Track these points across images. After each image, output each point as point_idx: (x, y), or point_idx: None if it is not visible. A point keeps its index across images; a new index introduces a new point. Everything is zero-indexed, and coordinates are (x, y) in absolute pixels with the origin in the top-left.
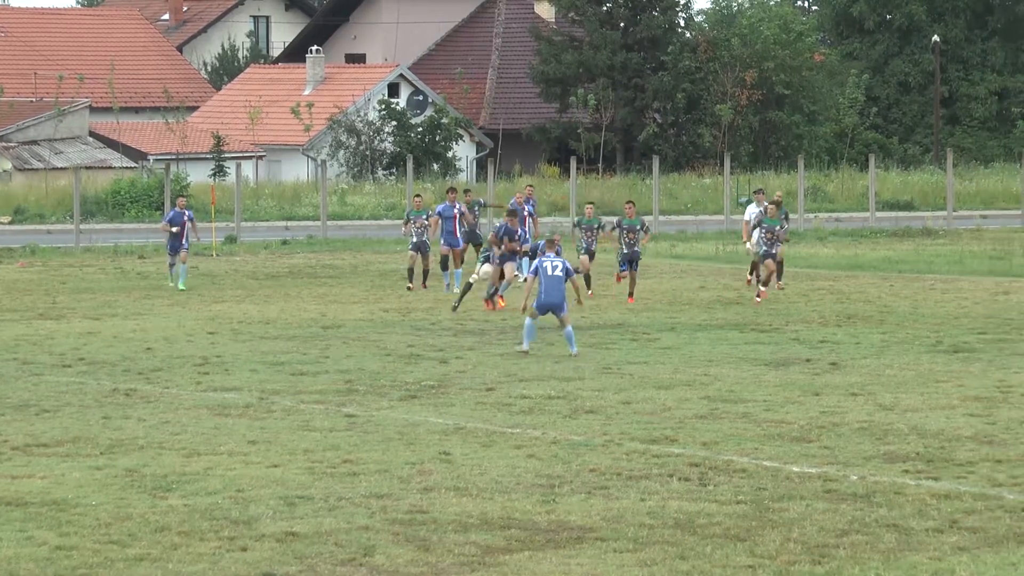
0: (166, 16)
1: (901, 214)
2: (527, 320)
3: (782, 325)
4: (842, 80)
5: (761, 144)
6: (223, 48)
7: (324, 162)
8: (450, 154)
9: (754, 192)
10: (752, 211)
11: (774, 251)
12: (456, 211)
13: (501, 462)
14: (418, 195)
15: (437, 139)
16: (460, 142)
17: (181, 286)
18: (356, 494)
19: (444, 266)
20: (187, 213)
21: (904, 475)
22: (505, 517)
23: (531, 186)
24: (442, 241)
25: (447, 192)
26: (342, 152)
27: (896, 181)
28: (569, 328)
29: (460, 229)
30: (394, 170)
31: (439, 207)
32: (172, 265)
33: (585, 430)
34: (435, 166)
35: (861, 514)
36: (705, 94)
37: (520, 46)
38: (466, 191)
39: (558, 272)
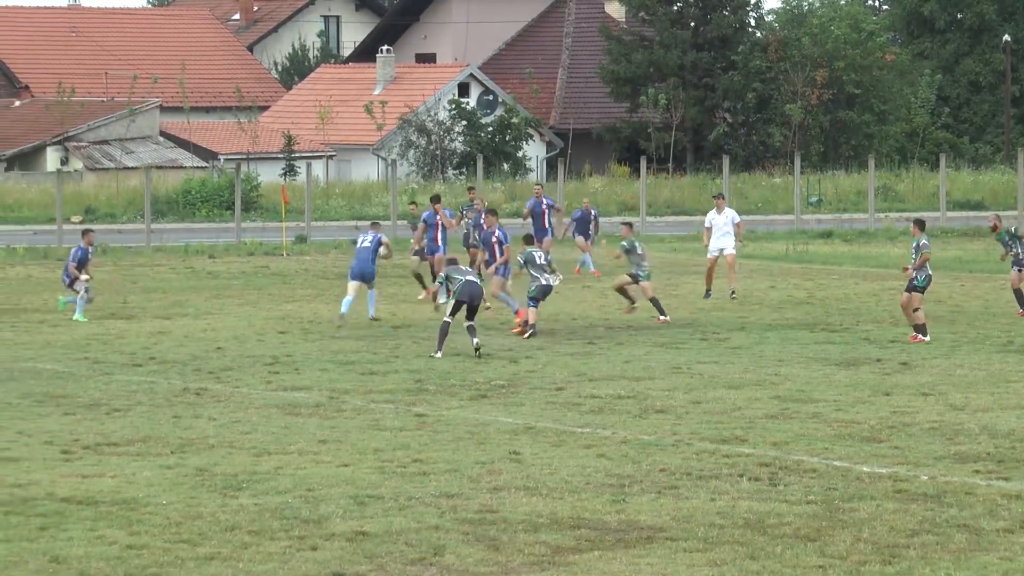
0: (236, 16)
1: (972, 214)
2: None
3: (852, 325)
4: (913, 80)
5: (831, 144)
6: (293, 48)
7: (394, 161)
8: (520, 154)
9: (714, 197)
10: (710, 217)
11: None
12: (438, 219)
13: (571, 462)
14: (413, 203)
15: (507, 139)
16: (530, 142)
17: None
18: (426, 493)
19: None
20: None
21: (975, 475)
22: (575, 517)
23: (540, 185)
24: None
25: (432, 202)
26: (412, 152)
27: (967, 181)
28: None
29: (442, 236)
30: (464, 170)
31: (424, 215)
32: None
33: (655, 430)
34: (505, 166)
35: (931, 514)
36: (775, 94)
37: (590, 45)
38: (470, 188)
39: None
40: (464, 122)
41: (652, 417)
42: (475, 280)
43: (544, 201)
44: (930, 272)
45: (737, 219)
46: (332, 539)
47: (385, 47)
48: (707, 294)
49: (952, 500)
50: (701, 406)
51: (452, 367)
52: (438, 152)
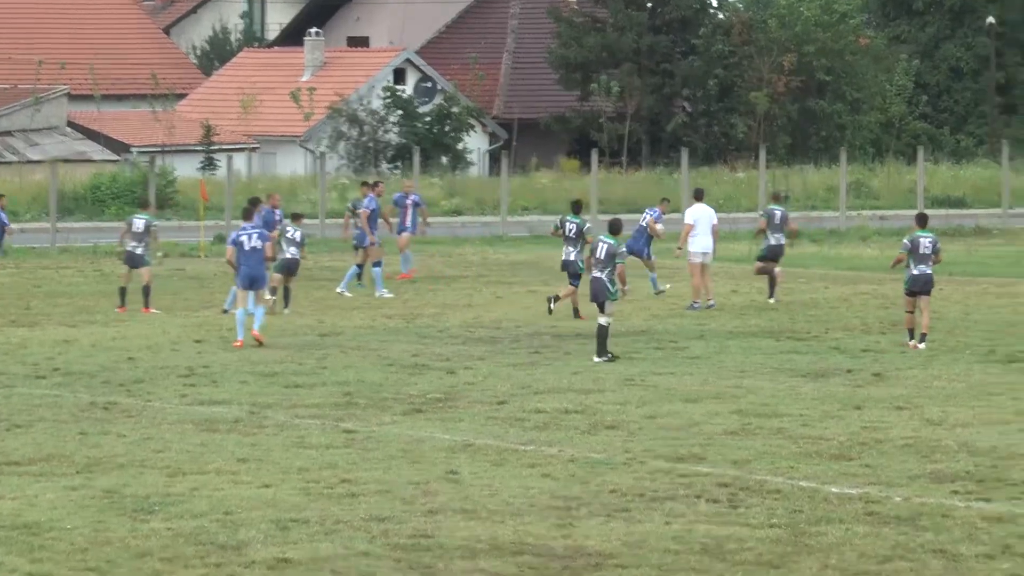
0: None
1: (952, 212)
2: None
3: (821, 332)
4: (889, 66)
5: (800, 135)
6: (214, 31)
7: (323, 154)
8: (460, 146)
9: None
10: (692, 214)
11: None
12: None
13: (513, 482)
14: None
15: (446, 130)
16: (471, 133)
17: None
18: (355, 517)
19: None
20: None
21: (953, 496)
22: (517, 542)
23: (367, 184)
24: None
25: (369, 187)
26: (342, 144)
27: (947, 176)
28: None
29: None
30: (399, 163)
31: (395, 196)
32: None
33: (605, 447)
34: (444, 159)
35: (905, 539)
36: (739, 81)
37: (538, 28)
38: (363, 184)
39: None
40: (400, 111)
41: (602, 433)
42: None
43: (411, 198)
44: (913, 272)
45: (714, 221)
46: (252, 567)
47: (314, 30)
48: (695, 305)
49: (928, 523)
50: (655, 421)
51: (384, 379)
52: (371, 144)
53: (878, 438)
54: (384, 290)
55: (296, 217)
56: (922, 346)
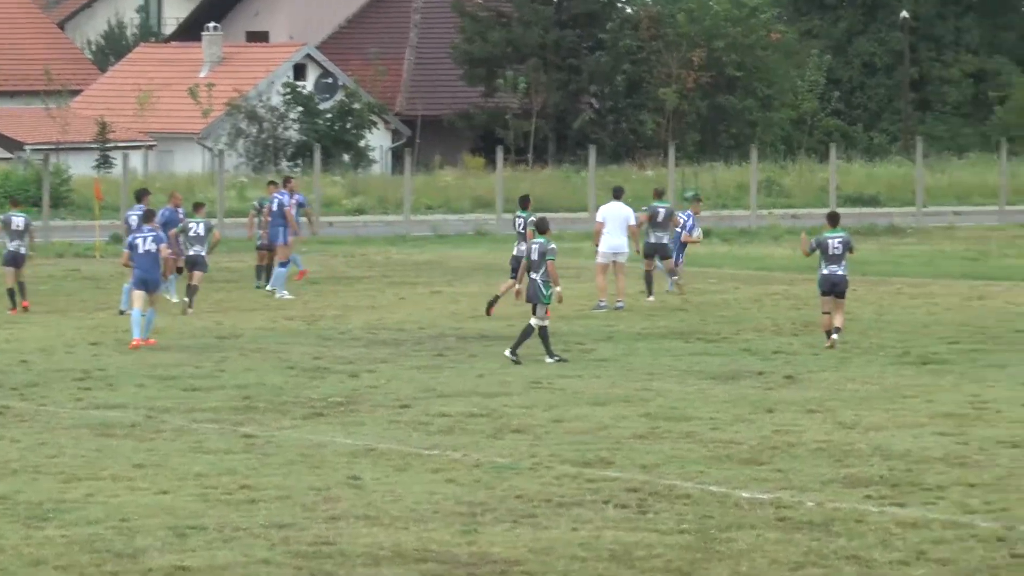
0: None
1: (865, 210)
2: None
3: (732, 334)
4: (800, 61)
5: (710, 132)
6: (109, 25)
7: (221, 152)
8: (362, 143)
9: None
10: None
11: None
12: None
13: (417, 488)
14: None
15: (348, 127)
16: (374, 130)
17: None
18: (254, 524)
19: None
20: None
21: (866, 501)
22: (421, 549)
23: (274, 183)
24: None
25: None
26: (241, 141)
27: (860, 173)
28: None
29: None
30: (300, 161)
31: (299, 197)
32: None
33: (511, 452)
34: (346, 157)
35: (818, 545)
36: (648, 76)
37: (441, 23)
38: (270, 183)
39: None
40: (300, 108)
41: (508, 437)
42: None
43: (296, 198)
44: (823, 272)
45: (632, 221)
46: (149, 575)
47: (212, 24)
48: (601, 305)
49: (841, 529)
50: (563, 425)
51: (284, 382)
52: (271, 141)
53: (790, 442)
54: (285, 292)
55: (197, 207)
56: (835, 336)
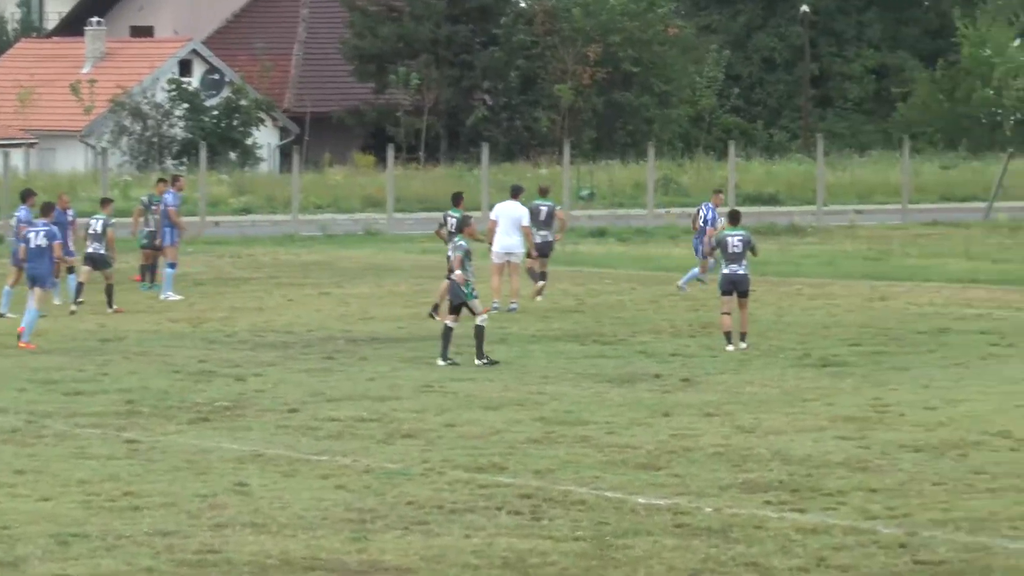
0: None
1: (765, 209)
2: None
3: (628, 336)
4: (698, 57)
5: (606, 129)
6: None
7: (104, 150)
8: (249, 141)
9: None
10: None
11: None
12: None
13: (305, 494)
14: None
15: (235, 124)
16: (261, 127)
17: None
18: (138, 531)
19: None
20: None
21: (765, 507)
22: (310, 557)
23: (163, 181)
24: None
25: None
26: (125, 139)
27: (759, 172)
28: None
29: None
30: (185, 159)
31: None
32: None
33: (402, 457)
34: (232, 155)
35: (716, 551)
36: (542, 72)
37: (331, 17)
38: (160, 180)
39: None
40: (185, 105)
41: (399, 442)
42: None
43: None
44: (724, 271)
45: (525, 222)
46: None
47: (95, 19)
48: (494, 306)
49: (739, 535)
50: (455, 429)
51: (169, 386)
52: (155, 139)
53: (687, 446)
54: (171, 292)
55: (105, 203)
56: (744, 345)
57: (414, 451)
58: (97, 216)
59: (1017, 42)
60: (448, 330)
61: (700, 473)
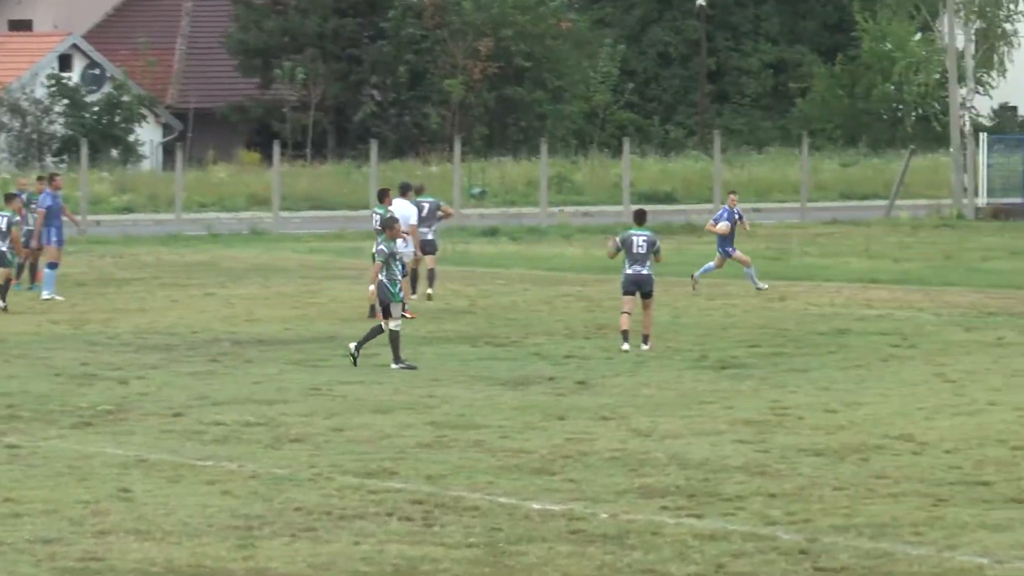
0: None
1: (661, 207)
2: None
3: (521, 338)
4: (592, 51)
5: (497, 126)
6: None
7: None
8: (132, 138)
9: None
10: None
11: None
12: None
13: (190, 500)
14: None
15: (116, 120)
16: (144, 124)
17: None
18: (19, 539)
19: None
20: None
21: (662, 512)
22: (195, 564)
23: (42, 178)
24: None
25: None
26: (3, 136)
27: (655, 169)
28: None
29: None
30: (66, 157)
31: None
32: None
33: (290, 462)
34: (114, 152)
35: (612, 558)
36: (432, 67)
37: (215, 11)
38: (38, 178)
39: None
40: (66, 101)
41: (286, 447)
42: None
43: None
44: (627, 271)
45: (413, 220)
46: None
47: None
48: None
49: (636, 541)
50: (344, 434)
51: (50, 390)
52: (35, 136)
53: (583, 451)
54: (52, 293)
55: (9, 198)
56: (645, 347)
57: (302, 456)
58: (2, 213)
59: (918, 36)
60: (391, 333)
61: (596, 478)
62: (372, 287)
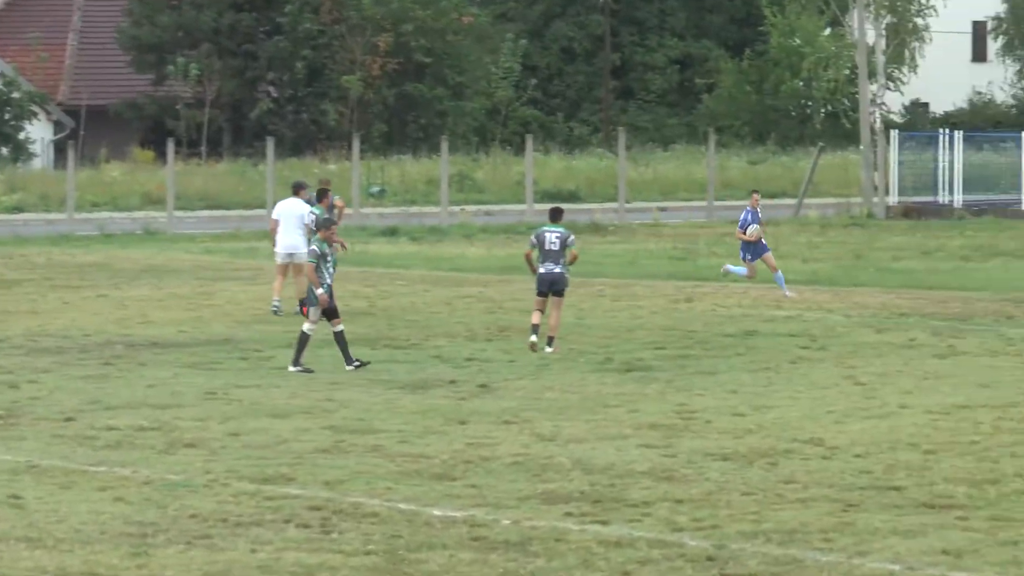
0: None
1: (565, 206)
2: None
3: (422, 340)
4: (494, 46)
5: (397, 123)
6: None
7: None
8: (22, 136)
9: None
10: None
11: None
12: None
13: (82, 507)
14: None
15: (6, 118)
16: (34, 121)
17: None
18: None
19: None
20: None
21: (566, 519)
22: (87, 573)
23: None
24: None
25: None
26: None
27: (558, 167)
28: None
29: None
30: None
31: None
32: None
33: (184, 468)
34: (4, 151)
35: (515, 565)
36: (330, 63)
37: (108, 5)
38: None
39: None
40: None
41: (181, 452)
42: None
43: None
44: (540, 270)
45: (308, 219)
46: None
47: None
48: (274, 305)
49: (539, 548)
50: (240, 439)
51: None
52: None
53: (484, 455)
54: None
55: None
56: (549, 350)
57: (197, 461)
58: None
59: (827, 31)
60: (339, 335)
61: (498, 484)
62: (320, 290)
